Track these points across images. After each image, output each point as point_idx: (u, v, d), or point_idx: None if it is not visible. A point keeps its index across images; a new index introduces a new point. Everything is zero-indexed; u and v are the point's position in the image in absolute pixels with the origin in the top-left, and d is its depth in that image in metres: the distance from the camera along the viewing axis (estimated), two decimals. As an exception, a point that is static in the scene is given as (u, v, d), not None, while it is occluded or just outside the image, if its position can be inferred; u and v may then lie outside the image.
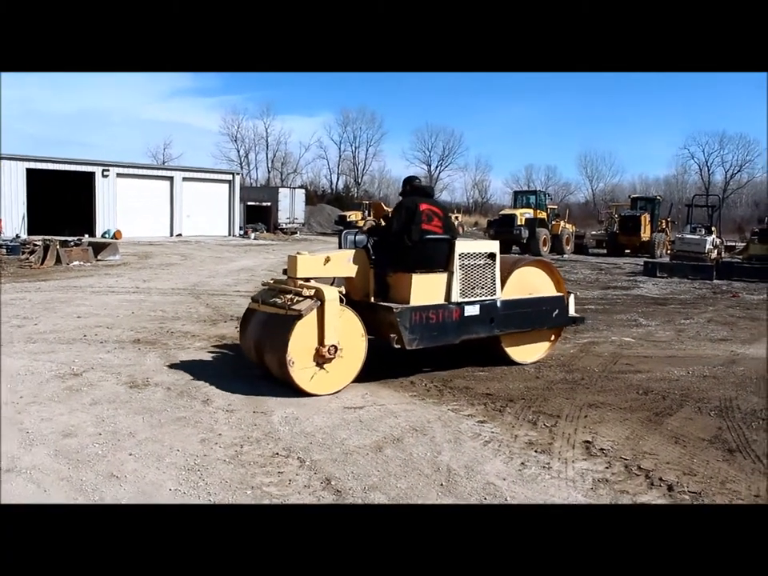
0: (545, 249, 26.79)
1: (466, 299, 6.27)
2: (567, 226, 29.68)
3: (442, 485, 3.88)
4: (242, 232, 36.69)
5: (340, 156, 77.40)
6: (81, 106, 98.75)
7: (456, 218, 45.80)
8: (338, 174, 77.30)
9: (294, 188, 45.87)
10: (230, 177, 37.78)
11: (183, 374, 6.17)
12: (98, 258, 18.57)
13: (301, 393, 5.45)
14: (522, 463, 4.24)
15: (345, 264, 6.07)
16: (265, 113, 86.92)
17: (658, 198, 32.81)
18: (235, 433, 4.67)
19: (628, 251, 28.59)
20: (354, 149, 77.13)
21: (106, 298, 11.16)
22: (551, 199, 32.74)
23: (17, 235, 24.57)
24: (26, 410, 5.04)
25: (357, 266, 6.10)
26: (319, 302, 5.49)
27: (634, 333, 9.13)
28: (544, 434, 4.79)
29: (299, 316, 5.38)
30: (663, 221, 29.85)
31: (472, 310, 6.28)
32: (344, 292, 5.79)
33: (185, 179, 34.94)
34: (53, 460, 4.10)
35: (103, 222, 31.43)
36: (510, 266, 6.87)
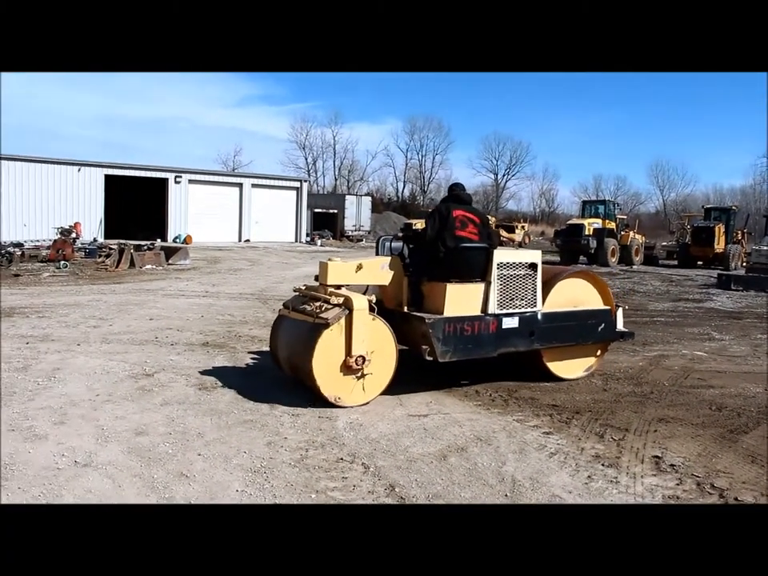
0: (613, 259, 26.19)
1: (505, 311, 6.01)
2: (637, 236, 28.95)
3: (506, 495, 3.84)
4: (308, 239, 37.16)
5: (406, 164, 77.84)
6: (150, 114, 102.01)
7: (522, 227, 45.29)
8: (404, 181, 77.72)
9: (361, 195, 46.19)
10: (297, 184, 38.36)
11: (250, 377, 6.29)
12: (170, 262, 19.12)
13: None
14: (589, 476, 4.16)
15: (378, 271, 5.94)
16: (333, 121, 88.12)
17: (734, 207, 31.73)
18: (300, 437, 4.73)
19: (700, 263, 27.67)
20: (420, 157, 77.49)
21: (177, 302, 11.48)
22: (620, 209, 32.02)
23: (94, 239, 25.55)
24: (101, 407, 5.22)
25: (390, 274, 5.96)
26: (347, 311, 5.34)
27: (706, 347, 8.84)
28: (611, 448, 4.68)
29: (326, 325, 5.24)
30: (739, 232, 28.81)
31: (511, 323, 6.02)
32: (375, 300, 5.67)
33: (254, 186, 35.65)
34: (126, 457, 4.24)
35: (175, 227, 32.36)
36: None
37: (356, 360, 5.35)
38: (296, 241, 36.65)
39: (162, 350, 7.38)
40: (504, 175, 80.00)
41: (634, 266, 26.45)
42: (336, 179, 74.98)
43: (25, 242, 22.50)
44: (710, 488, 4.02)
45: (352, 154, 79.69)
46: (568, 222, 29.40)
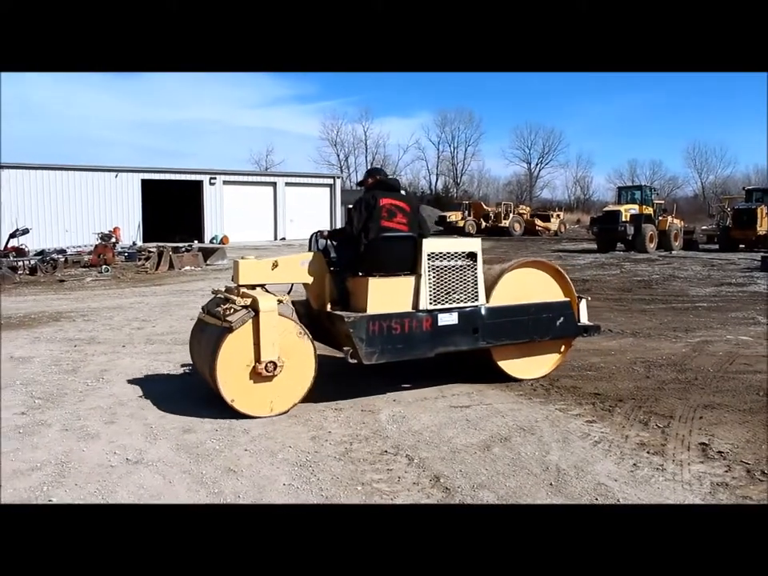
0: (651, 245, 25.77)
1: (440, 306, 5.47)
2: (675, 221, 28.40)
3: (551, 484, 3.85)
4: (342, 234, 37.27)
5: (438, 157, 77.74)
6: (182, 117, 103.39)
7: (557, 215, 44.79)
8: (437, 174, 77.63)
9: (393, 190, 46.12)
10: (330, 181, 38.59)
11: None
12: (207, 262, 19.41)
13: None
14: (634, 464, 4.13)
15: (296, 269, 5.53)
16: (363, 116, 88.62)
17: (776, 188, 30.92)
18: (344, 431, 4.79)
19: (742, 246, 27.03)
20: (452, 149, 77.30)
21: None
22: (657, 194, 31.52)
23: (133, 243, 26.03)
24: (149, 406, 5.35)
25: (312, 271, 5.55)
26: (253, 314, 4.94)
27: (751, 331, 8.67)
28: (656, 435, 4.64)
29: (229, 329, 4.86)
30: (783, 213, 28.10)
31: (448, 319, 5.47)
32: (303, 301, 5.35)
33: (287, 184, 35.96)
34: (175, 454, 4.34)
35: (211, 228, 32.83)
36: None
37: (266, 366, 4.92)
38: (331, 237, 36.76)
39: (204, 349, 7.49)
40: (537, 164, 79.41)
41: (673, 252, 26.00)
42: (369, 175, 74.94)
43: (67, 248, 23.03)
44: (761, 474, 3.96)
45: (384, 149, 79.55)
46: (604, 209, 28.99)
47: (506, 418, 5.03)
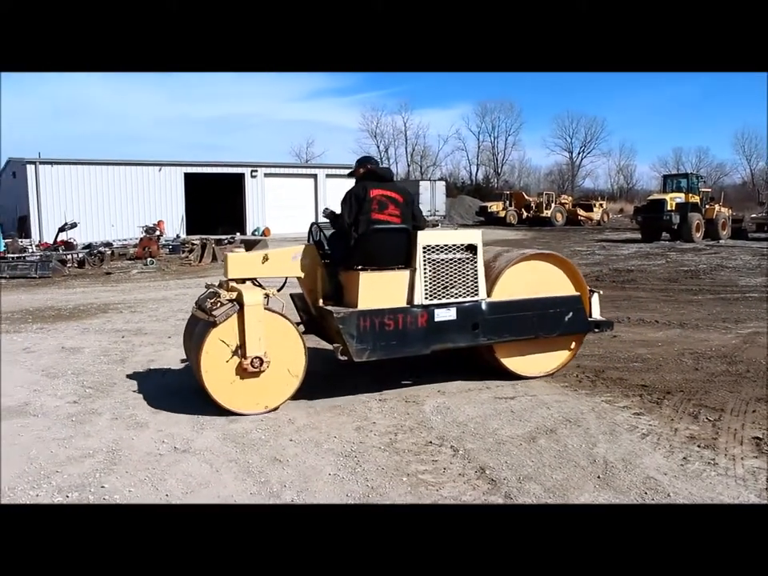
0: (698, 235, 25.19)
1: (437, 301, 5.25)
2: (723, 209, 27.73)
3: (599, 477, 3.79)
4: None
5: (479, 147, 77.01)
6: (223, 112, 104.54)
7: (600, 205, 44.10)
8: (478, 164, 76.96)
9: (434, 180, 45.94)
10: (370, 172, 38.52)
11: (334, 364, 6.37)
12: (250, 254, 19.56)
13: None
14: (684, 458, 4.05)
15: (287, 263, 5.38)
16: (403, 108, 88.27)
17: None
18: (389, 421, 4.79)
19: (794, 235, 26.34)
20: (492, 139, 76.53)
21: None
22: (704, 182, 30.74)
23: (177, 235, 26.44)
24: (194, 396, 5.41)
25: (304, 265, 5.39)
26: (238, 308, 4.83)
27: (804, 322, 8.42)
28: (707, 429, 4.54)
29: (213, 324, 4.75)
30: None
31: (445, 315, 5.25)
32: (274, 294, 5.20)
33: (328, 176, 36.05)
34: (222, 443, 4.39)
35: (253, 220, 33.14)
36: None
37: (252, 362, 4.80)
38: (371, 228, 36.82)
39: (248, 340, 7.57)
40: (579, 153, 78.16)
41: (721, 241, 25.39)
42: (409, 165, 74.94)
43: (113, 241, 23.51)
44: (816, 468, 3.85)
45: (423, 140, 79.61)
46: (649, 198, 28.45)
47: (551, 410, 4.98)
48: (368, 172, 5.50)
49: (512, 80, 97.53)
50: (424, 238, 5.27)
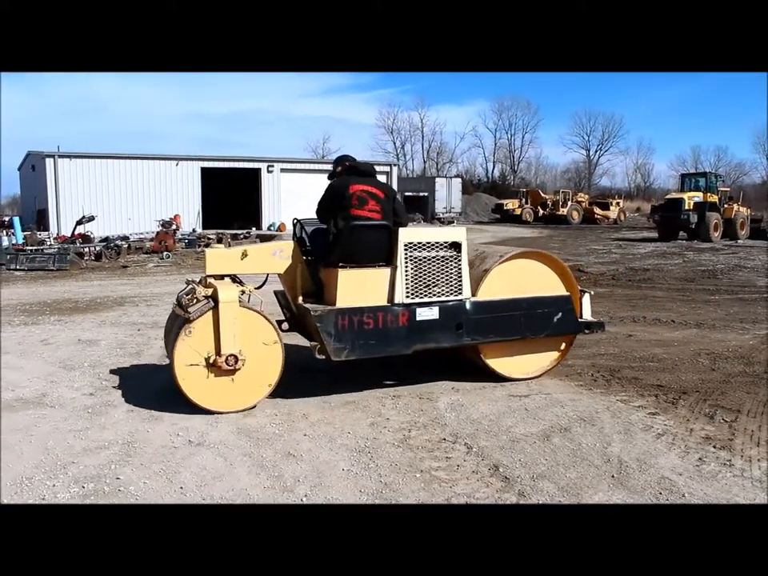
0: (716, 234, 24.97)
1: (419, 300, 5.13)
2: (742, 209, 27.46)
3: (613, 476, 3.78)
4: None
5: (495, 144, 76.80)
6: (240, 108, 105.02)
7: (617, 203, 43.84)
8: (494, 162, 76.71)
9: (450, 177, 45.89)
10: (387, 168, 38.44)
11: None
12: (265, 249, 19.63)
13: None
14: (700, 459, 4.02)
15: (267, 259, 5.29)
16: (420, 104, 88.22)
17: None
18: (402, 417, 4.79)
19: (814, 235, 26.01)
20: (509, 136, 76.28)
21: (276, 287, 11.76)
22: (723, 181, 30.45)
23: (193, 230, 26.59)
24: (211, 389, 5.45)
25: (285, 261, 5.29)
26: (213, 305, 4.75)
27: (823, 324, 8.34)
28: (723, 430, 4.51)
29: (188, 320, 4.68)
30: None
31: (427, 314, 5.13)
32: (251, 290, 5.08)
33: (344, 172, 35.99)
34: (236, 437, 4.42)
35: (268, 215, 33.17)
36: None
37: (226, 360, 4.71)
38: (386, 225, 36.78)
39: (263, 335, 7.59)
40: (596, 151, 77.74)
41: (739, 241, 25.16)
42: (425, 162, 74.96)
43: (130, 235, 23.66)
44: (834, 471, 3.81)
45: (440, 136, 79.60)
46: (666, 197, 28.25)
47: (565, 408, 4.96)
48: (348, 168, 5.43)
49: (528, 78, 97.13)
50: (405, 235, 5.15)
